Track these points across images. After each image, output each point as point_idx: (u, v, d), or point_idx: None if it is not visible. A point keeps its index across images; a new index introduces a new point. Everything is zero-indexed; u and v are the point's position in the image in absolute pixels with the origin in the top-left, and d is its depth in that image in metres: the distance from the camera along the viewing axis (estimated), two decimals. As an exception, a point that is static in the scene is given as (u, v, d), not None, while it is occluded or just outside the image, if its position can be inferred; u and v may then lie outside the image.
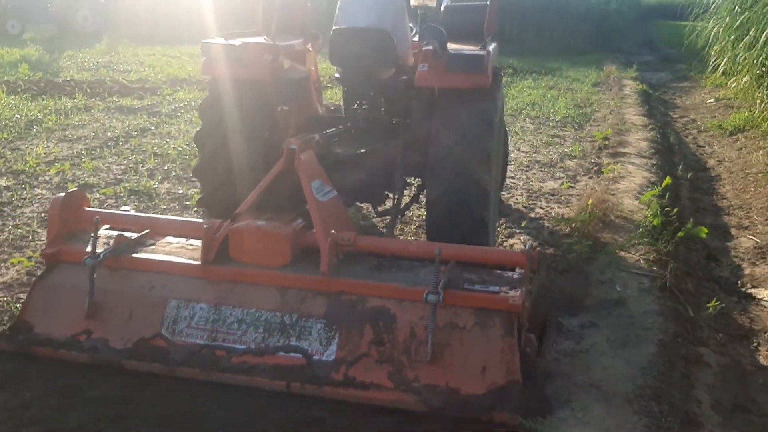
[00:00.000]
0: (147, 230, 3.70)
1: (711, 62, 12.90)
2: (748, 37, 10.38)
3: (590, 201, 5.62)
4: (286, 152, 3.61)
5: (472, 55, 3.96)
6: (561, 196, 6.47)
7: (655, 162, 7.78)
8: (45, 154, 7.04)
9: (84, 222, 3.68)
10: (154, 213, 5.38)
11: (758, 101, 9.88)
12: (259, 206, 3.61)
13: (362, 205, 5.65)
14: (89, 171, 6.54)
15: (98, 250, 3.38)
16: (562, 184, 6.84)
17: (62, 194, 3.71)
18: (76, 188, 4.02)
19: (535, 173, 7.24)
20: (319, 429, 2.95)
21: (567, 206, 6.13)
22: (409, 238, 5.21)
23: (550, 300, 4.08)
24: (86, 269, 3.33)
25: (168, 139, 7.89)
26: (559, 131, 9.46)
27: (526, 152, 8.12)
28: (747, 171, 7.80)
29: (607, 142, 8.56)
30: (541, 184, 6.85)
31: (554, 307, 4.01)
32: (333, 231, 3.39)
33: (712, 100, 12.98)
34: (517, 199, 6.32)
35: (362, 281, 3.29)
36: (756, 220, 6.26)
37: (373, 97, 4.47)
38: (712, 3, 12.91)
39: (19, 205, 5.54)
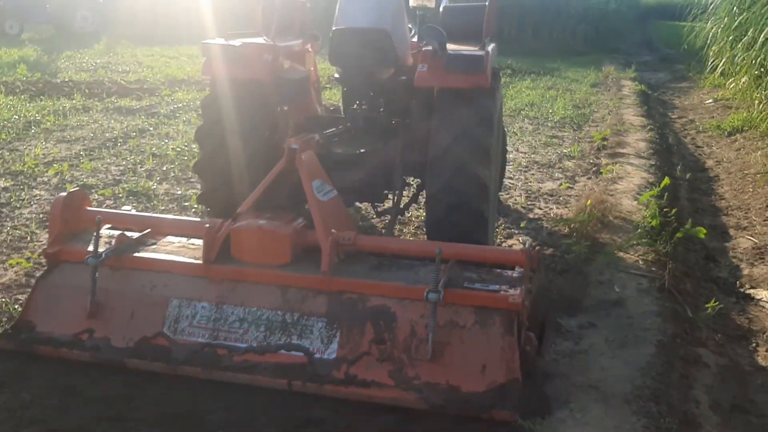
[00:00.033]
0: (148, 230, 3.72)
1: (709, 63, 12.90)
2: (746, 37, 10.39)
3: (589, 202, 5.62)
4: (287, 152, 3.63)
5: (472, 56, 3.97)
6: (560, 196, 6.47)
7: (653, 162, 7.79)
8: (43, 155, 7.04)
9: (85, 222, 3.69)
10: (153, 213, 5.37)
11: (756, 102, 9.88)
12: (259, 206, 3.62)
13: (361, 205, 5.66)
14: (88, 172, 6.54)
15: (100, 250, 3.39)
16: (561, 184, 6.84)
17: (64, 194, 3.72)
18: (77, 188, 4.02)
19: (533, 174, 7.25)
20: (319, 429, 2.95)
21: (566, 207, 6.13)
22: (408, 238, 5.21)
23: (549, 300, 4.08)
24: (88, 268, 3.35)
25: (166, 140, 7.89)
26: (558, 132, 9.46)
27: (525, 153, 8.12)
28: (745, 171, 7.80)
29: (605, 143, 8.57)
30: (540, 184, 6.85)
31: (553, 307, 4.01)
32: (333, 230, 3.40)
33: (710, 100, 12.99)
34: (515, 199, 6.32)
35: (363, 280, 3.31)
36: (754, 220, 6.27)
37: (373, 97, 4.50)
38: (711, 3, 12.91)
39: (18, 206, 5.53)
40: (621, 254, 4.89)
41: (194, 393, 3.13)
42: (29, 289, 4.05)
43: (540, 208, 6.11)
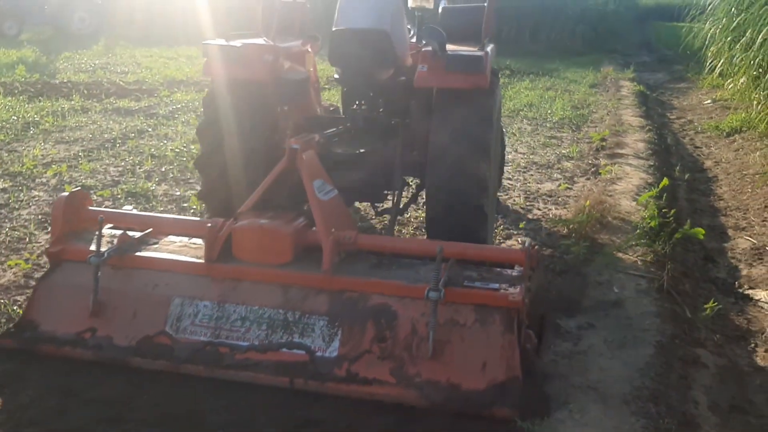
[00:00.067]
0: (150, 229, 3.74)
1: (708, 63, 12.91)
2: (744, 38, 10.39)
3: (588, 202, 5.62)
4: (289, 152, 3.65)
5: (471, 56, 3.99)
6: (558, 197, 6.47)
7: (652, 163, 7.79)
8: (42, 155, 7.04)
9: (87, 221, 3.72)
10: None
11: (755, 102, 9.88)
12: (260, 205, 3.64)
13: (360, 206, 5.67)
14: (86, 173, 6.54)
15: (102, 249, 3.41)
16: (560, 185, 6.85)
17: (66, 193, 3.75)
18: (78, 188, 4.04)
19: (532, 174, 7.25)
20: (319, 429, 2.95)
21: (564, 207, 6.13)
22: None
23: (548, 301, 4.08)
24: (90, 268, 3.37)
25: (165, 141, 7.89)
26: (557, 132, 9.47)
27: (524, 154, 8.12)
28: (744, 172, 7.81)
29: (604, 144, 8.57)
30: (539, 185, 6.85)
31: (552, 308, 4.01)
32: (334, 229, 3.42)
33: (709, 101, 13.00)
34: (514, 200, 6.32)
35: (364, 279, 3.34)
36: (753, 221, 6.27)
37: (372, 97, 4.53)
38: (709, 4, 12.92)
39: (16, 207, 5.53)
40: (620, 255, 4.89)
41: (194, 393, 3.13)
42: (28, 291, 4.06)
43: (539, 209, 6.11)
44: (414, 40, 5.09)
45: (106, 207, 5.59)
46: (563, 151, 8.29)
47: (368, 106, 4.54)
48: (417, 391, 3.05)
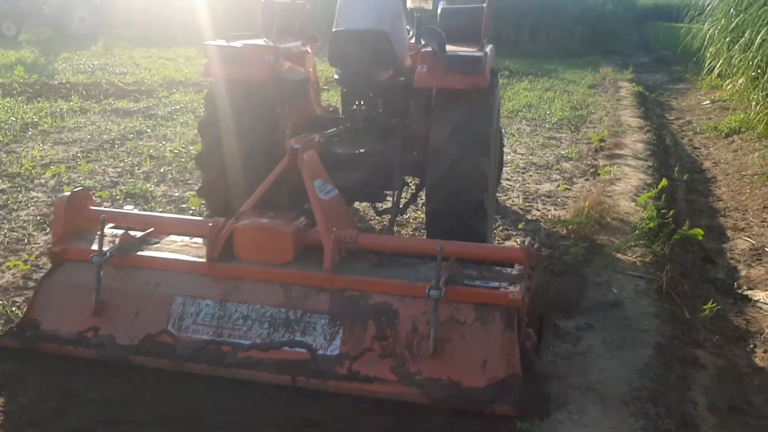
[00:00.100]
0: (151, 229, 3.76)
1: (706, 64, 12.92)
2: (743, 39, 10.40)
3: (586, 203, 5.63)
4: (290, 152, 3.66)
5: (471, 57, 4.01)
6: (557, 198, 6.48)
7: (651, 164, 7.80)
8: (40, 156, 7.03)
9: (88, 221, 3.74)
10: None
11: (753, 103, 9.89)
12: (261, 205, 3.66)
13: (359, 207, 5.67)
14: (85, 174, 6.54)
15: (104, 249, 3.42)
16: (559, 186, 6.85)
17: (67, 193, 3.76)
18: (80, 188, 4.05)
19: (531, 175, 7.25)
20: (318, 429, 2.96)
21: (563, 208, 6.13)
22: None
23: (547, 302, 4.08)
24: (92, 267, 3.38)
25: (164, 142, 7.89)
26: (556, 133, 9.47)
27: (523, 154, 8.13)
28: (742, 173, 7.81)
29: (603, 144, 8.58)
30: (538, 186, 6.86)
31: (551, 309, 4.01)
32: (335, 229, 3.44)
33: (707, 101, 13.01)
34: (513, 201, 6.32)
35: (365, 278, 3.36)
36: (752, 221, 6.28)
37: (372, 97, 4.55)
38: (708, 5, 12.94)
39: (15, 208, 5.53)
40: (619, 255, 4.89)
41: (193, 394, 3.13)
42: (26, 292, 4.06)
43: (538, 210, 6.11)
44: (413, 40, 5.10)
45: (105, 207, 5.60)
46: (562, 152, 8.29)
47: (368, 107, 4.56)
48: (418, 389, 3.07)
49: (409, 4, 5.11)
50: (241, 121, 4.17)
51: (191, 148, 7.51)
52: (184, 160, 7.11)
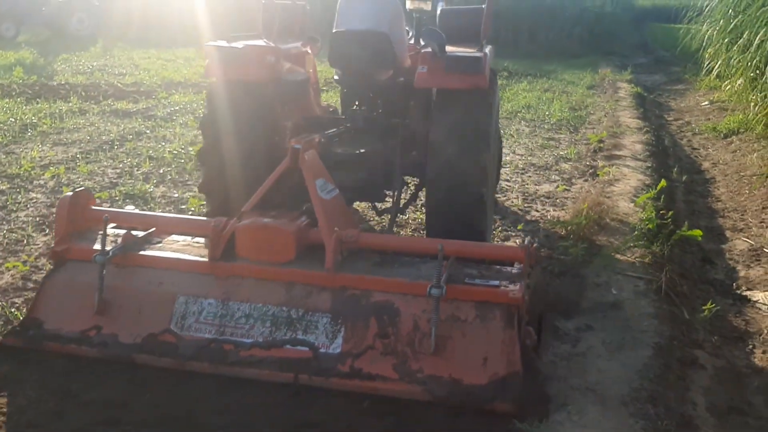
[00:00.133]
0: (153, 228, 3.77)
1: (705, 65, 12.92)
2: (741, 40, 10.40)
3: (585, 204, 5.62)
4: (291, 152, 3.68)
5: (470, 57, 4.04)
6: (556, 198, 6.48)
7: (650, 165, 7.80)
8: (40, 157, 7.03)
9: (90, 221, 3.76)
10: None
11: (752, 104, 9.90)
12: (262, 205, 3.68)
13: (357, 207, 5.67)
14: (84, 175, 6.53)
15: (107, 248, 3.44)
16: (558, 186, 6.85)
17: (70, 193, 3.78)
18: (82, 188, 4.07)
19: (530, 176, 7.26)
20: (318, 430, 2.95)
21: (562, 209, 6.14)
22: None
23: (546, 302, 4.08)
24: (95, 266, 3.40)
25: (163, 143, 7.88)
26: (555, 134, 9.48)
27: (522, 155, 8.13)
28: (741, 173, 7.82)
29: (602, 145, 8.59)
30: (537, 187, 6.86)
31: (550, 309, 4.01)
32: (336, 228, 3.46)
33: (706, 102, 13.02)
34: (512, 201, 6.33)
35: (366, 276, 3.38)
36: (750, 222, 6.28)
37: (372, 98, 4.58)
38: (706, 6, 12.93)
39: (14, 209, 5.52)
40: (618, 256, 4.89)
41: (193, 395, 3.13)
42: (26, 293, 4.07)
43: (537, 211, 6.11)
44: (412, 41, 5.12)
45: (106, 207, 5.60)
46: (561, 153, 8.30)
47: (367, 107, 4.59)
48: (419, 386, 3.09)
49: (409, 5, 5.13)
50: (241, 121, 4.19)
51: (190, 149, 7.51)
52: (183, 161, 7.11)
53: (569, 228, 5.35)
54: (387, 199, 4.79)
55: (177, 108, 9.97)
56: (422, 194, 5.05)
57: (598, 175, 7.20)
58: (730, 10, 11.32)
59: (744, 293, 4.82)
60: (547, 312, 3.94)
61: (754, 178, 7.45)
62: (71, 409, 3.01)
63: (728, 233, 6.10)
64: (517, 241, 5.26)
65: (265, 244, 3.46)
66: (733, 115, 10.65)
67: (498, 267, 3.47)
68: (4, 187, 6.03)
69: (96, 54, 15.76)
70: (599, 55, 20.63)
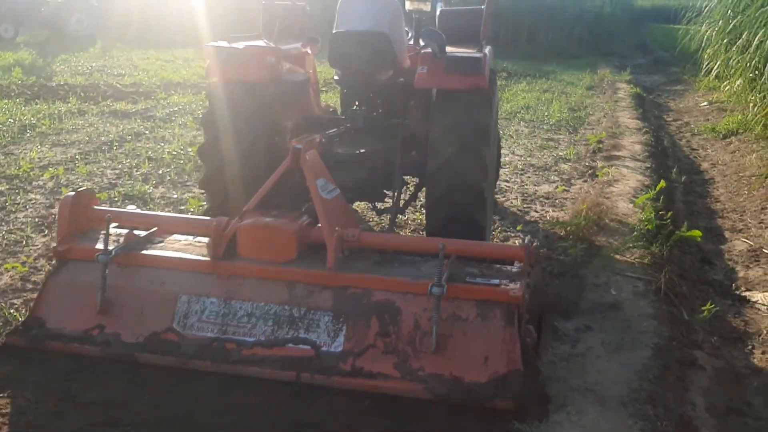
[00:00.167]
0: (155, 228, 3.79)
1: (704, 65, 12.93)
2: (740, 40, 10.41)
3: (585, 204, 5.62)
4: (292, 152, 3.69)
5: (470, 58, 4.06)
6: (556, 199, 6.48)
7: (649, 165, 7.80)
8: (39, 158, 7.03)
9: (92, 220, 3.78)
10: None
11: (751, 104, 9.90)
12: (263, 204, 3.70)
13: (357, 208, 5.67)
14: (83, 176, 6.53)
15: (109, 248, 3.45)
16: (557, 187, 6.85)
17: (72, 193, 3.79)
18: (84, 188, 4.09)
19: (529, 177, 7.26)
20: (317, 431, 2.95)
21: (562, 210, 6.14)
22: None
23: (546, 303, 4.08)
24: (97, 266, 3.41)
25: (162, 144, 7.88)
26: (554, 134, 9.48)
27: (521, 156, 8.13)
28: (740, 174, 7.83)
29: (601, 146, 8.59)
30: (536, 187, 6.86)
31: (549, 310, 4.01)
32: (338, 227, 3.48)
33: (705, 103, 13.03)
34: (511, 202, 6.33)
35: (368, 275, 3.40)
36: (749, 222, 6.29)
37: (372, 98, 4.61)
38: (705, 7, 12.94)
39: (13, 210, 5.52)
40: (617, 257, 4.89)
41: (192, 396, 3.13)
42: (25, 294, 4.06)
43: (536, 211, 6.11)
44: (411, 42, 5.13)
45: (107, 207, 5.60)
46: (560, 153, 8.30)
47: (367, 107, 4.61)
48: (421, 385, 3.10)
49: (408, 6, 5.14)
50: (242, 121, 4.22)
51: (189, 149, 7.51)
52: (182, 161, 7.11)
53: (568, 229, 5.35)
54: (386, 199, 4.80)
55: (176, 109, 9.96)
56: (422, 195, 5.06)
57: (597, 175, 7.21)
58: (729, 11, 11.33)
59: (743, 294, 4.82)
60: (546, 312, 3.94)
61: (753, 178, 7.45)
62: (71, 409, 3.01)
63: (727, 234, 6.11)
64: (517, 241, 5.26)
65: (267, 244, 3.48)
66: (732, 115, 10.65)
67: (498, 266, 3.49)
68: (3, 188, 6.03)
69: (95, 55, 15.76)
70: (598, 56, 20.65)
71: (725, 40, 11.41)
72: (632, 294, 4.35)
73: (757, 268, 5.26)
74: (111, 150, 7.52)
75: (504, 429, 2.93)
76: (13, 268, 4.40)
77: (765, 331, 4.23)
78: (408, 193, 5.42)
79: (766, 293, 4.77)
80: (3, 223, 5.22)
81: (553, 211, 6.13)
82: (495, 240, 5.29)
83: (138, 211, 4.29)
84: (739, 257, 5.52)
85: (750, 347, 4.07)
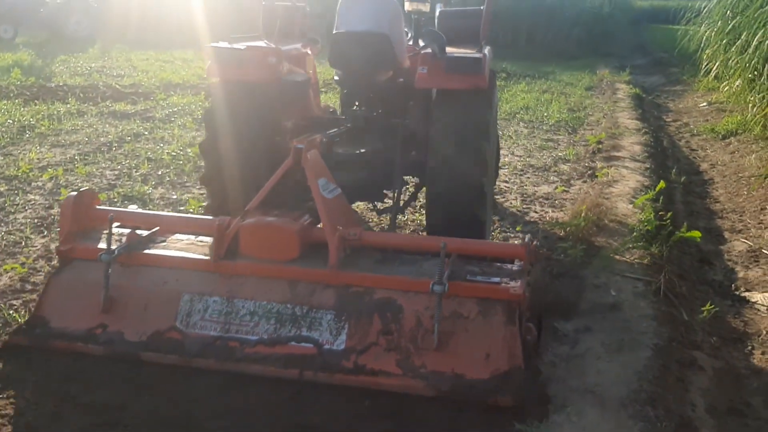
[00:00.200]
0: (157, 227, 3.80)
1: (703, 66, 12.94)
2: (739, 41, 10.42)
3: (584, 205, 5.62)
4: (294, 151, 3.70)
5: (470, 58, 4.08)
6: (555, 200, 6.48)
7: (648, 166, 7.81)
8: (38, 159, 7.02)
9: (94, 220, 3.79)
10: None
11: (750, 105, 9.91)
12: (265, 203, 3.71)
13: (356, 209, 5.67)
14: (82, 176, 6.53)
15: (112, 247, 3.46)
16: (557, 188, 6.85)
17: (74, 193, 3.81)
18: (87, 188, 4.10)
19: (529, 177, 7.26)
20: (316, 432, 2.95)
21: (561, 210, 6.14)
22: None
23: (545, 304, 4.08)
24: (100, 265, 3.43)
25: (162, 144, 7.88)
26: (553, 135, 9.48)
27: (520, 156, 8.13)
28: (740, 174, 7.83)
29: (600, 146, 8.59)
30: (536, 188, 6.86)
31: (549, 311, 4.01)
32: (339, 226, 3.49)
33: (704, 103, 13.04)
34: (511, 203, 6.33)
35: (370, 274, 3.42)
36: (749, 223, 6.29)
37: (372, 98, 4.63)
38: (704, 7, 12.96)
39: (12, 210, 5.51)
40: (617, 258, 4.89)
41: (191, 398, 3.12)
42: (24, 294, 4.06)
43: (535, 212, 6.11)
44: (411, 42, 5.14)
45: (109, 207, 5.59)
46: (560, 154, 8.30)
47: (367, 107, 4.61)
48: (423, 382, 3.12)
49: (407, 7, 5.15)
50: (242, 121, 4.23)
51: (189, 150, 7.51)
52: (181, 162, 7.11)
53: (568, 229, 5.35)
54: (386, 199, 4.81)
55: (175, 109, 9.96)
56: (422, 195, 5.07)
57: (596, 176, 7.21)
58: (729, 12, 11.34)
59: (743, 294, 4.82)
60: (545, 313, 3.94)
61: (753, 179, 7.45)
62: (70, 410, 3.01)
63: (727, 234, 6.11)
64: (516, 242, 5.25)
65: (269, 243, 3.50)
66: (732, 116, 10.66)
67: (499, 264, 3.51)
68: (2, 189, 6.02)
69: (94, 55, 15.76)
70: (598, 57, 20.68)
71: (724, 41, 11.42)
72: (632, 295, 4.35)
73: (756, 268, 5.26)
74: (110, 151, 7.52)
75: (504, 430, 2.92)
76: (12, 269, 4.39)
77: (764, 332, 4.23)
78: (408, 193, 5.42)
79: (765, 294, 4.77)
80: (2, 224, 5.22)
81: (553, 211, 6.13)
82: (495, 240, 5.28)
83: (140, 210, 4.30)
84: (738, 258, 5.52)
85: (750, 348, 4.07)
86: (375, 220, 5.54)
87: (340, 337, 3.27)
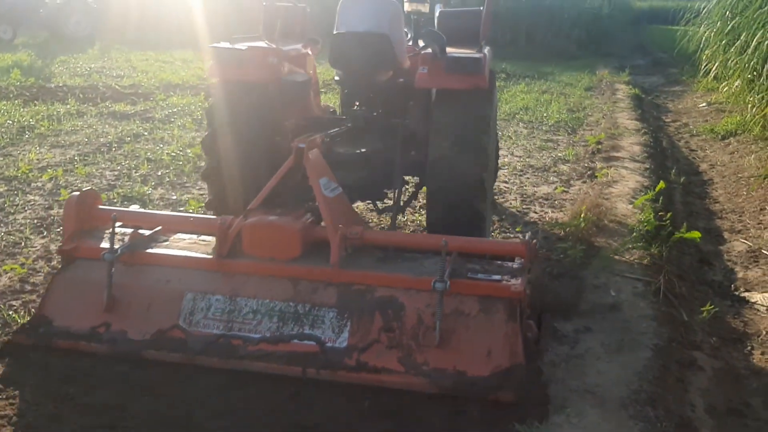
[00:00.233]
0: (160, 227, 3.82)
1: (703, 66, 12.95)
2: (739, 41, 10.43)
3: (584, 205, 5.63)
4: (295, 151, 3.72)
5: (471, 58, 4.09)
6: (555, 200, 6.48)
7: (648, 166, 7.81)
8: (37, 160, 7.02)
9: (97, 219, 3.82)
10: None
11: (750, 105, 9.91)
12: (266, 203, 3.73)
13: (357, 208, 5.68)
14: (82, 177, 6.53)
15: (115, 246, 3.48)
16: (556, 188, 6.86)
17: (77, 193, 3.83)
18: (89, 188, 4.11)
19: (528, 178, 7.26)
20: (316, 432, 2.95)
21: (561, 211, 6.14)
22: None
23: (545, 304, 4.08)
24: (103, 264, 3.44)
25: (161, 145, 7.88)
26: (553, 135, 9.48)
27: (520, 157, 8.13)
28: (739, 175, 7.83)
29: (600, 147, 8.59)
30: (535, 188, 6.86)
31: (549, 311, 4.01)
32: (341, 225, 3.51)
33: (704, 104, 13.04)
34: (511, 203, 6.33)
35: (371, 272, 3.44)
36: (748, 223, 6.29)
37: (372, 98, 4.65)
38: (704, 8, 12.97)
39: (12, 211, 5.51)
40: (616, 258, 4.89)
41: (191, 399, 3.12)
42: (23, 295, 4.06)
43: (535, 212, 6.11)
44: (410, 42, 5.15)
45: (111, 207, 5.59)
46: (559, 154, 8.30)
47: (368, 107, 4.63)
48: (425, 379, 3.14)
49: (407, 7, 5.16)
50: (243, 120, 4.25)
51: (189, 151, 7.51)
52: (181, 163, 7.11)
53: (568, 230, 5.35)
54: (386, 199, 4.81)
55: (175, 110, 9.96)
56: (422, 196, 5.07)
57: (596, 176, 7.21)
58: (728, 12, 11.35)
59: (742, 294, 4.83)
60: (545, 313, 3.94)
61: (752, 179, 7.46)
62: (70, 411, 3.00)
63: (726, 235, 6.11)
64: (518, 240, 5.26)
65: (272, 241, 3.52)
66: (731, 116, 10.66)
67: (500, 262, 3.53)
68: (1, 190, 6.02)
69: (93, 56, 15.75)
70: (597, 57, 20.67)
71: (724, 41, 11.43)
72: (631, 295, 4.35)
73: (756, 268, 5.27)
74: (110, 151, 7.52)
75: (504, 430, 2.92)
76: (11, 269, 4.39)
77: (764, 332, 4.23)
78: (408, 193, 5.43)
79: (765, 294, 4.78)
80: (2, 225, 5.22)
81: (553, 212, 6.13)
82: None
83: (142, 210, 4.32)
84: (738, 258, 5.52)
85: (749, 348, 4.07)
86: (375, 219, 5.54)
87: (342, 334, 3.30)
